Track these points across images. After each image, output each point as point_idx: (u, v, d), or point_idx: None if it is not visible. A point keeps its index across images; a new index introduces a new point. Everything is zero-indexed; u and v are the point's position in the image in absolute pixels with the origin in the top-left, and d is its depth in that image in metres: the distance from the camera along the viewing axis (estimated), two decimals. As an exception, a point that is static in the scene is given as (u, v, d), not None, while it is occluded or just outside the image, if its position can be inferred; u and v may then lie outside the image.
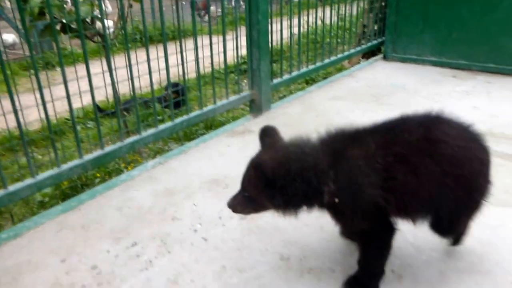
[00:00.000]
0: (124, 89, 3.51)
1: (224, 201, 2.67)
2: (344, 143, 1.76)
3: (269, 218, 2.50)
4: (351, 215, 1.76)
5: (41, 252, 2.30)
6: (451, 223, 1.89)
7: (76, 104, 3.01)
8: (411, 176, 1.68)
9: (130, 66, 3.00)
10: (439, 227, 1.89)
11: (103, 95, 3.50)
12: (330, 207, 1.78)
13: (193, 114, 3.53)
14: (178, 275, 2.10)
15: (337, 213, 1.82)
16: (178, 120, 3.39)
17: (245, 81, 4.76)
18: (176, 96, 4.27)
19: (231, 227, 2.45)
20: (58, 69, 3.69)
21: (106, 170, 3.55)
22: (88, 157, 2.83)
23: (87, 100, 3.18)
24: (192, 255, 2.23)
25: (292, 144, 1.80)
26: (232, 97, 3.89)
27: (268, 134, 1.89)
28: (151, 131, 3.20)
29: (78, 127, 2.86)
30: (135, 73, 3.13)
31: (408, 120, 1.84)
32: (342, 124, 1.85)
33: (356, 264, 1.94)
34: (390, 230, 1.82)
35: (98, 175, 3.48)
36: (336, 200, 1.69)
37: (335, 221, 1.90)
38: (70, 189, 3.32)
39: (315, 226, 2.41)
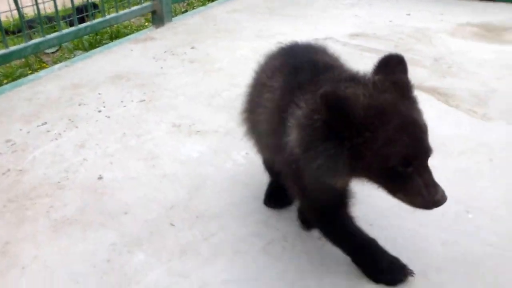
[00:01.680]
0: (27, 10, 3.64)
1: (126, 90, 3.05)
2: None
3: (166, 99, 2.91)
4: None
5: (-44, 133, 2.56)
6: None
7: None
8: None
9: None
10: None
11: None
12: None
13: (96, 20, 3.75)
14: (85, 141, 2.48)
15: None
16: (82, 25, 3.61)
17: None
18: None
19: (132, 107, 2.83)
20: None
21: (13, 76, 3.72)
22: (-8, 54, 3.02)
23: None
24: (97, 128, 2.60)
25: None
26: (134, 7, 4.13)
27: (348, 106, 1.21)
28: (55, 34, 3.41)
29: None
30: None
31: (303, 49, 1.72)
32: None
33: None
34: None
35: (5, 80, 3.64)
36: None
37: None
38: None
39: (204, 103, 2.86)
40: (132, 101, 2.89)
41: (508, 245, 1.73)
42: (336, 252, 1.65)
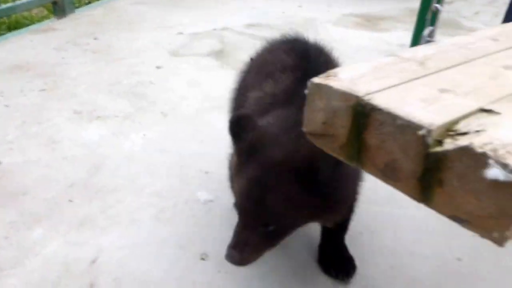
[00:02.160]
0: None
1: (26, 80, 3.01)
2: None
3: (68, 88, 2.93)
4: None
5: None
6: None
7: None
8: None
9: None
10: None
11: None
12: None
13: (-10, 11, 3.62)
14: (-17, 130, 2.45)
15: None
16: (-27, 15, 3.47)
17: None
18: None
19: (32, 96, 2.82)
20: None
21: None
22: None
23: None
24: (-5, 117, 2.58)
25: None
26: (33, -2, 4.02)
27: (245, 127, 1.25)
28: None
29: None
30: None
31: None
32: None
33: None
34: None
35: None
36: None
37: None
38: None
39: (105, 90, 2.92)
40: (33, 90, 2.88)
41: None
42: (218, 215, 1.85)
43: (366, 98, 0.84)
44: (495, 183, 0.67)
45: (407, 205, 1.95)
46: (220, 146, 1.77)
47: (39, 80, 3.01)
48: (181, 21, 4.26)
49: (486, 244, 1.57)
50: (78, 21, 4.21)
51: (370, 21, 4.55)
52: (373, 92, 0.86)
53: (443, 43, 1.23)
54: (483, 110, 0.82)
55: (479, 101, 0.86)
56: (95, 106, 2.72)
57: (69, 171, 2.16)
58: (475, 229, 0.74)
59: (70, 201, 1.96)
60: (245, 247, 1.21)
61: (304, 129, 0.96)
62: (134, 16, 4.43)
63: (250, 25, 4.27)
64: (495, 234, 0.72)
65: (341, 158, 0.94)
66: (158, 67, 3.30)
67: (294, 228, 1.28)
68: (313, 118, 0.95)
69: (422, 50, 1.15)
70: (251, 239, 1.21)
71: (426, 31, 1.39)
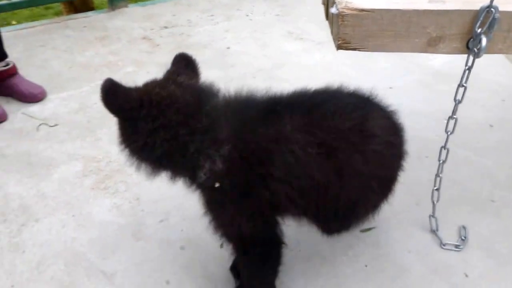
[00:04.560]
0: None
1: (269, 6, 4.13)
2: (252, 116, 1.29)
3: (294, 17, 3.92)
4: (232, 210, 1.29)
5: None
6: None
7: None
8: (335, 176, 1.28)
9: None
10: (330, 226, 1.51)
11: None
12: (205, 189, 1.29)
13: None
14: (229, 29, 3.65)
15: (212, 202, 1.31)
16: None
17: None
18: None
19: (269, 17, 3.89)
20: None
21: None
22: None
23: None
24: (241, 24, 3.75)
25: (190, 85, 1.34)
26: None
27: (179, 63, 1.41)
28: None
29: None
30: None
31: (340, 97, 1.42)
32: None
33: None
34: (278, 242, 1.39)
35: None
36: (217, 184, 1.22)
37: (205, 210, 1.34)
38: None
39: (316, 23, 3.79)
40: (271, 14, 3.97)
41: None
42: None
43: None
44: (335, 15, 1.34)
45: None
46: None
47: (278, 9, 4.07)
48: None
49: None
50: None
51: None
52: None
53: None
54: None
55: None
56: (303, 31, 3.63)
57: (268, 62, 3.14)
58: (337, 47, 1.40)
59: (253, 77, 2.96)
60: None
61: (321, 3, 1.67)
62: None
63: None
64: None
65: (326, 18, 1.62)
66: (367, 17, 3.95)
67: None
68: (322, -5, 1.66)
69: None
70: None
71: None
